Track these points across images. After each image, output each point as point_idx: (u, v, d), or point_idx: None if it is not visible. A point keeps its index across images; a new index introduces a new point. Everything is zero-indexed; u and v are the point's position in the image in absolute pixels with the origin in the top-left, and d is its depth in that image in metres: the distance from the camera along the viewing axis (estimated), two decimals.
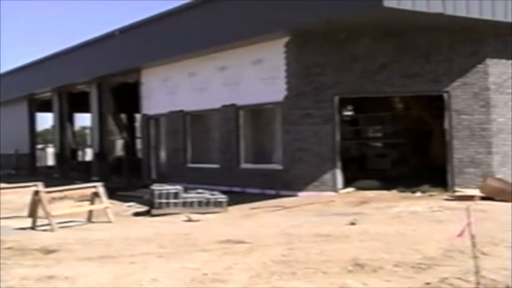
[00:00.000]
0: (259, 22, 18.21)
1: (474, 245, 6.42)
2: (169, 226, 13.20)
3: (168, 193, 15.08)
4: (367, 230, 11.39)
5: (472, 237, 6.56)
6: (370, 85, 17.71)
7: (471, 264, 6.94)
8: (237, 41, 19.41)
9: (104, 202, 14.17)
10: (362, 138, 25.16)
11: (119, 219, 14.40)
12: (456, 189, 16.56)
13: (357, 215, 13.34)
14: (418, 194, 16.74)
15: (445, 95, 17.34)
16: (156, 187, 15.59)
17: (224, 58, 20.74)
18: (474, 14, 16.10)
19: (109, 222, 13.84)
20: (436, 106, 18.07)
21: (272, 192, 18.14)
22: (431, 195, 16.43)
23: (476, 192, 15.66)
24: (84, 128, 45.58)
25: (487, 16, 16.33)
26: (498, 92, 17.43)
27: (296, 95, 18.04)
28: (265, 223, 13.09)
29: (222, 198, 15.45)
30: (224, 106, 20.69)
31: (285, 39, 18.30)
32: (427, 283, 7.31)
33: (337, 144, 17.81)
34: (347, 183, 18.02)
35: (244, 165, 20.16)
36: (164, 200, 15.01)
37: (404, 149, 23.19)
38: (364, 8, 15.57)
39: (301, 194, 17.45)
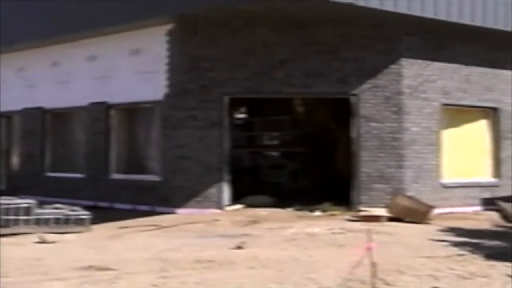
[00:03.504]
0: (137, 5, 18.02)
1: (374, 274, 6.54)
2: (16, 249, 12.81)
3: (17, 208, 14.64)
4: (256, 255, 11.44)
5: (373, 265, 6.67)
6: (267, 84, 17.87)
7: None
8: (110, 27, 19.18)
9: None
10: (256, 146, 25.38)
11: None
12: (361, 208, 16.91)
13: (245, 237, 13.41)
14: (317, 213, 17.02)
15: (353, 99, 17.69)
16: (3, 200, 15.11)
17: (94, 46, 20.46)
18: (388, 7, 16.46)
19: None
20: (343, 110, 18.39)
21: (146, 208, 18.07)
22: (332, 215, 16.75)
23: (383, 212, 16.10)
24: None
25: (403, 10, 16.74)
26: (413, 96, 17.90)
27: (178, 93, 17.99)
28: (135, 245, 12.95)
29: (85, 214, 15.20)
30: (93, 104, 20.41)
31: (168, 26, 18.22)
32: None
33: (226, 153, 17.87)
34: (236, 198, 18.11)
35: (114, 175, 19.96)
36: (12, 217, 14.56)
37: (304, 159, 23.55)
38: None
39: (181, 211, 17.43)
